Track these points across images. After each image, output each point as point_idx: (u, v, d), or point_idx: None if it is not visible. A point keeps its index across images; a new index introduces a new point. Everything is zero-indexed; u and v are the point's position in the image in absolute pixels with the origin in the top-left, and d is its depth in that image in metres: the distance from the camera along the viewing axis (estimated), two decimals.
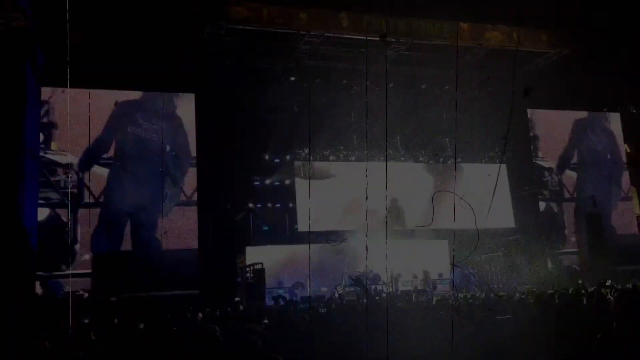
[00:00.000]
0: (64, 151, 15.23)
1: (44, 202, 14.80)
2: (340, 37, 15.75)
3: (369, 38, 15.92)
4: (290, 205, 18.63)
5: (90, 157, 15.67)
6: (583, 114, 21.01)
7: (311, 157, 18.43)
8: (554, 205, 20.18)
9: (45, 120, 15.22)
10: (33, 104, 13.41)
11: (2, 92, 12.01)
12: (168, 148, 16.29)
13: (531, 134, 20.26)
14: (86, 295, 13.29)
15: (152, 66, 14.81)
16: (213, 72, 16.10)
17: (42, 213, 14.65)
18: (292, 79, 17.29)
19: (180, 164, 16.53)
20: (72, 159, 15.37)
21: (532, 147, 20.18)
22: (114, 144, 15.99)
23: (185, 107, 16.80)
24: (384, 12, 15.41)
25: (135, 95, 16.43)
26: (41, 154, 14.77)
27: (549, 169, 20.34)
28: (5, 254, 11.58)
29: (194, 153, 16.63)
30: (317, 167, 18.89)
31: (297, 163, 18.54)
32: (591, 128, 21.10)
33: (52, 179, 15.18)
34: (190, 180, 16.54)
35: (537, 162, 20.33)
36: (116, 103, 15.98)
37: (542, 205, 20.23)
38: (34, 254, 12.93)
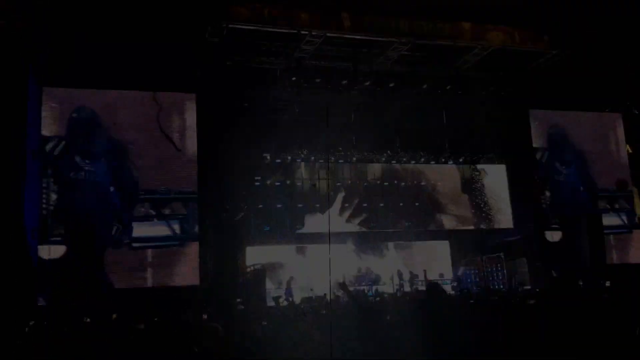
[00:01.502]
0: None
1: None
2: (342, 37, 15.72)
3: (370, 38, 15.90)
4: (292, 205, 18.64)
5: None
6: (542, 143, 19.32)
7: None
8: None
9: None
10: (34, 105, 13.42)
11: (4, 92, 12.05)
12: (112, 189, 14.80)
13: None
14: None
15: (153, 66, 14.79)
16: (214, 72, 16.07)
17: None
18: (293, 79, 17.24)
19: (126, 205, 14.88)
20: None
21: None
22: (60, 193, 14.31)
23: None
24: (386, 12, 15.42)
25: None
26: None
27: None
28: (5, 253, 11.61)
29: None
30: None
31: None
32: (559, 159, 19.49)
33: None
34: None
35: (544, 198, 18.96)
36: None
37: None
38: (34, 254, 12.96)
